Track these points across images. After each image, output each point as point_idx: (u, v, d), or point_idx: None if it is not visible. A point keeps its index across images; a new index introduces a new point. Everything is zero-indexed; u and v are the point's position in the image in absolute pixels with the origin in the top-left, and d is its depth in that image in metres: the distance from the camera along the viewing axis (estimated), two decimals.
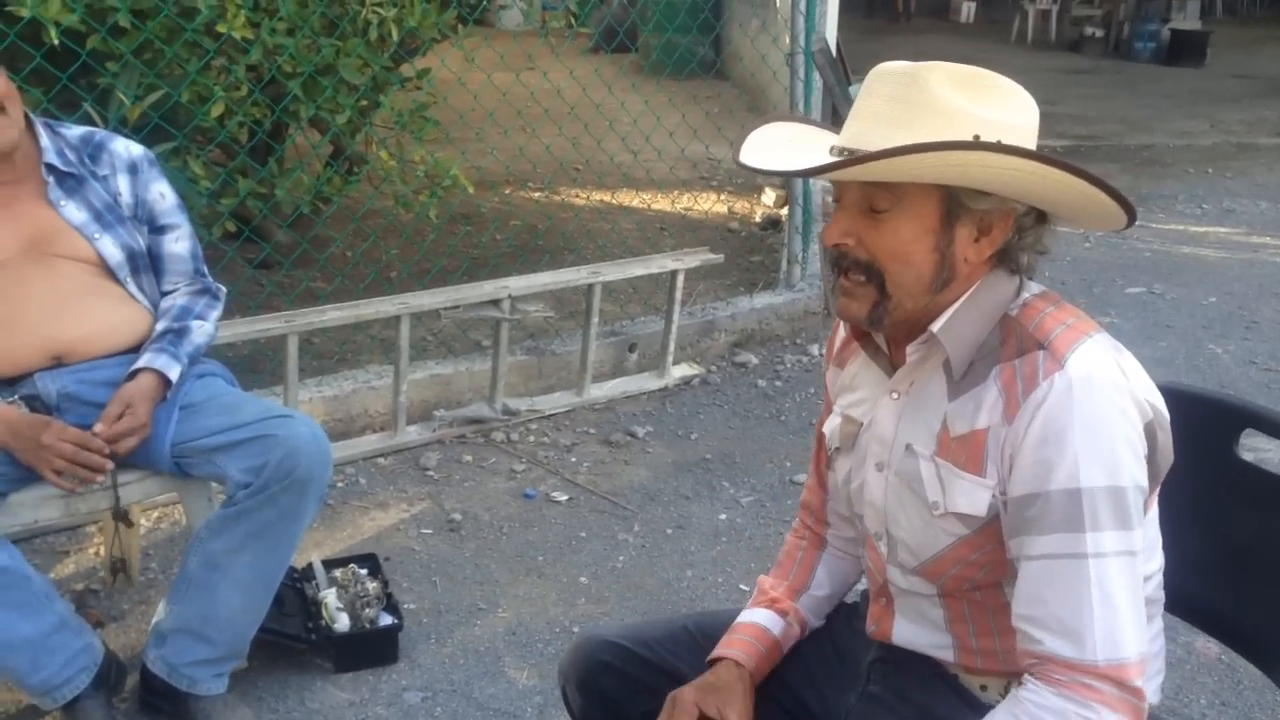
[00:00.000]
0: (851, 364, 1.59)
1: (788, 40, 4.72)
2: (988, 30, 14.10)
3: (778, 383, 4.24)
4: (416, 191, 3.90)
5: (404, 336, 3.46)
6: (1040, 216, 1.39)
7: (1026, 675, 1.33)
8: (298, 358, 3.32)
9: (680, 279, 3.99)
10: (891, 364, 1.50)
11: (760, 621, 1.66)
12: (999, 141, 1.29)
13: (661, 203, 6.43)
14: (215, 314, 2.49)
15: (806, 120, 1.58)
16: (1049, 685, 1.30)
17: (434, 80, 4.01)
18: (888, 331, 1.47)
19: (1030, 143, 1.34)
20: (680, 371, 4.17)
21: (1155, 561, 1.48)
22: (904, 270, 1.37)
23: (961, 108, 1.30)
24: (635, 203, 6.38)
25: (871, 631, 1.61)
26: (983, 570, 1.42)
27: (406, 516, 3.27)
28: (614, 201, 6.41)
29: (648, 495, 3.42)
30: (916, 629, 1.54)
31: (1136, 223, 1.40)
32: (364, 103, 3.70)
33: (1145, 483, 1.33)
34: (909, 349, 1.43)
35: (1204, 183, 7.55)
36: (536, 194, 6.41)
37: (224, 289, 2.56)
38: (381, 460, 3.55)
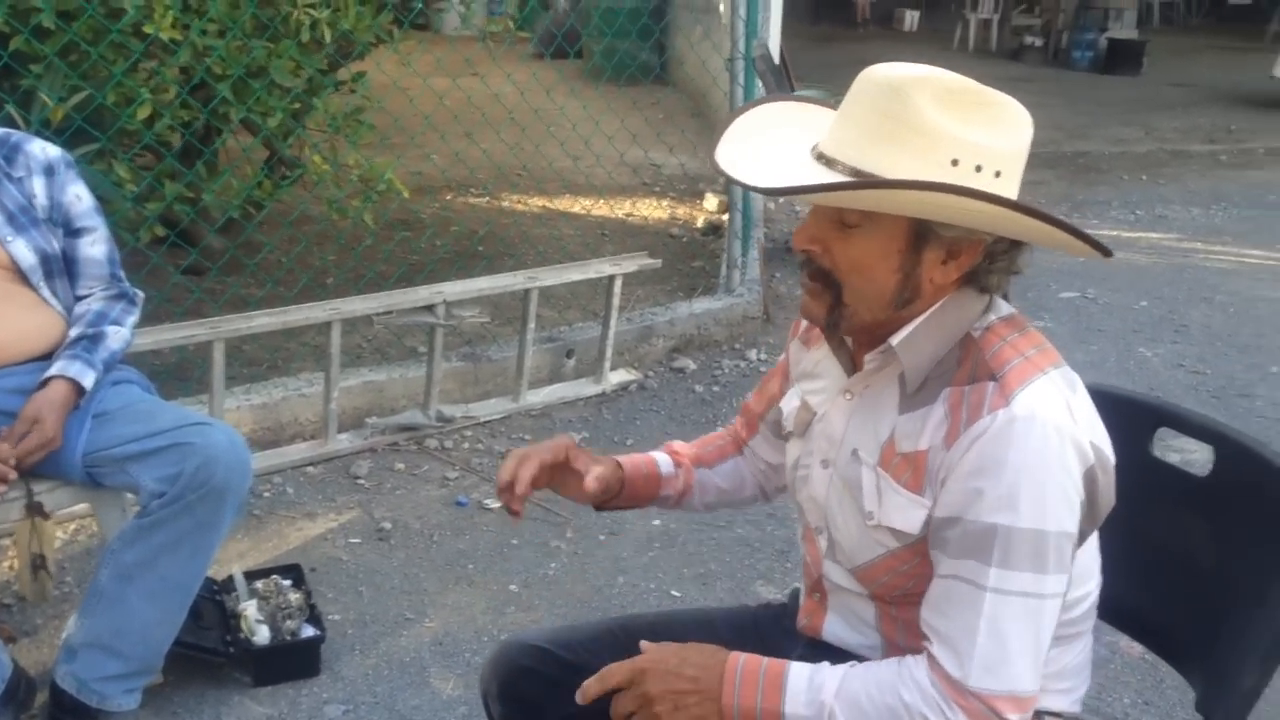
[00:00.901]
0: (817, 349, 1.58)
1: (729, 46, 4.72)
2: (930, 38, 14.23)
3: (715, 388, 4.23)
4: (350, 196, 3.85)
5: (335, 343, 3.41)
6: (1014, 241, 1.37)
7: (922, 655, 1.35)
8: (224, 365, 3.25)
9: (618, 284, 3.97)
10: (853, 362, 1.49)
11: (654, 455, 1.75)
12: (978, 167, 1.27)
13: (603, 208, 6.41)
14: (132, 319, 2.43)
15: (794, 98, 1.54)
16: (931, 669, 1.31)
17: (369, 84, 3.96)
18: (849, 334, 1.46)
19: (1018, 164, 1.32)
20: (618, 377, 4.15)
21: (1089, 584, 1.49)
22: (864, 285, 1.36)
23: (946, 129, 1.27)
24: (576, 208, 6.36)
25: (802, 626, 1.61)
26: (913, 580, 1.42)
27: (334, 526, 3.21)
28: (555, 207, 6.38)
29: None
30: (847, 627, 1.54)
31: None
32: (296, 106, 3.64)
33: (1074, 530, 1.31)
34: (867, 358, 1.42)
35: (1138, 189, 7.66)
36: (476, 200, 6.36)
37: (141, 294, 2.50)
38: (311, 469, 3.50)
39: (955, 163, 1.26)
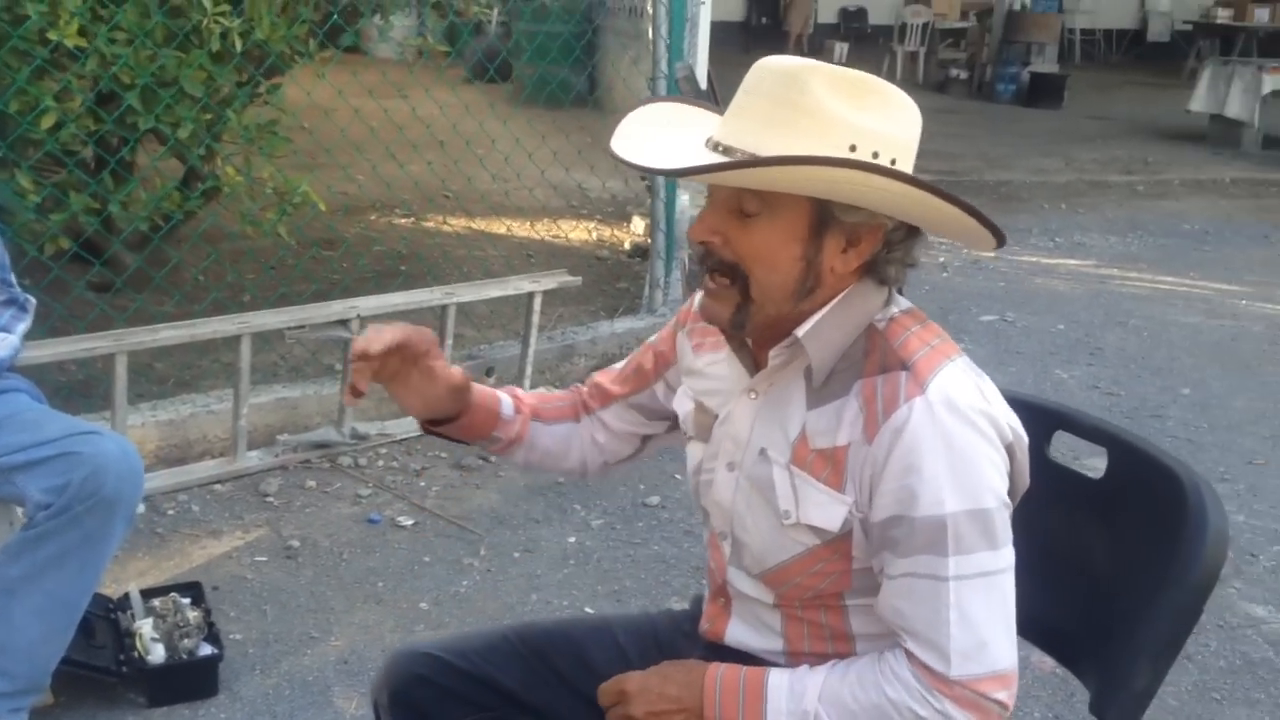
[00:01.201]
0: (711, 353, 1.54)
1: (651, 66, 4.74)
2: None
3: None
4: (264, 209, 3.78)
5: (245, 358, 3.34)
6: (911, 230, 1.37)
7: (898, 648, 1.35)
8: (127, 379, 3.17)
9: (537, 301, 3.94)
10: (754, 362, 1.46)
11: (498, 393, 1.65)
12: (875, 154, 1.27)
13: (528, 230, 6.39)
14: (22, 326, 2.35)
15: (689, 101, 1.52)
16: (910, 664, 1.32)
17: (284, 97, 3.90)
18: (752, 333, 1.43)
19: (910, 154, 1.32)
20: None
21: None
22: (768, 275, 1.33)
23: (841, 115, 1.27)
24: (501, 230, 6.31)
25: (704, 630, 1.58)
26: (827, 580, 1.41)
27: (240, 544, 3.13)
28: (479, 229, 6.33)
29: (497, 519, 3.35)
30: (750, 631, 1.52)
31: (994, 253, 1.39)
32: (208, 117, 3.57)
33: (1008, 499, 1.34)
34: (772, 353, 1.40)
35: (1058, 217, 7.81)
36: (399, 220, 6.31)
37: (33, 300, 2.42)
38: (218, 487, 3.41)
39: (853, 148, 1.26)
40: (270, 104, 3.85)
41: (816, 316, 1.36)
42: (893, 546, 1.32)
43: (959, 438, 1.28)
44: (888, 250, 1.36)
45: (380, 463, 3.63)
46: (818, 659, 1.44)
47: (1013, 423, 1.35)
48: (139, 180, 3.61)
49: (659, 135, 1.42)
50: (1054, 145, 9.97)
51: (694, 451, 1.55)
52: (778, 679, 1.38)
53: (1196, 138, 10.46)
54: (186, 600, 2.64)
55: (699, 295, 1.45)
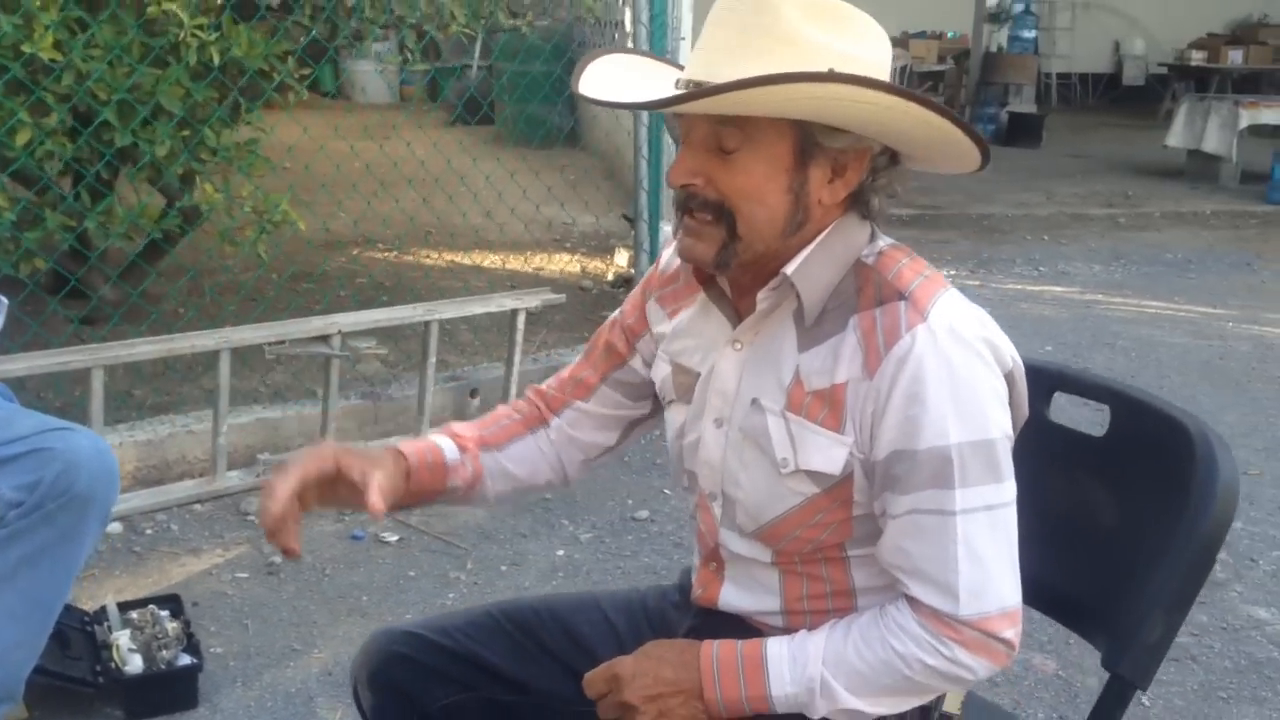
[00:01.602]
0: (686, 309, 1.48)
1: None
2: None
3: None
4: (243, 227, 3.74)
5: (224, 374, 3.27)
6: (893, 158, 1.33)
7: (900, 599, 1.31)
8: (104, 395, 3.11)
9: (521, 319, 3.89)
10: (735, 312, 1.41)
11: (436, 441, 1.53)
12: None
13: (513, 263, 6.36)
14: None
15: (652, 55, 1.49)
16: (915, 612, 1.28)
17: (261, 115, 3.87)
18: (733, 276, 1.38)
19: (884, 78, 1.28)
20: None
21: None
22: (757, 210, 1.28)
23: (816, 39, 1.23)
24: (486, 263, 6.29)
25: (697, 596, 1.52)
26: (827, 531, 1.35)
27: (221, 561, 3.06)
28: (464, 262, 6.30)
29: (483, 534, 3.28)
30: (745, 594, 1.46)
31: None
32: (185, 134, 3.54)
33: (1011, 430, 1.30)
34: (760, 295, 1.34)
35: (1041, 248, 7.82)
36: (384, 254, 6.27)
37: (4, 300, 2.36)
38: (198, 506, 3.34)
39: (831, 71, 1.22)
40: (249, 123, 3.81)
41: (804, 254, 1.31)
42: (895, 484, 1.27)
43: (963, 366, 1.25)
44: (872, 178, 1.32)
45: None
46: (817, 618, 1.38)
47: (1011, 351, 1.32)
48: (115, 195, 3.55)
49: (625, 78, 1.38)
50: (1034, 181, 10.01)
51: (675, 415, 1.49)
52: (777, 648, 1.32)
53: (1175, 173, 10.53)
54: (165, 612, 2.56)
55: (675, 243, 1.38)
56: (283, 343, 3.38)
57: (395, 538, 3.21)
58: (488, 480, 1.56)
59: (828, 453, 1.31)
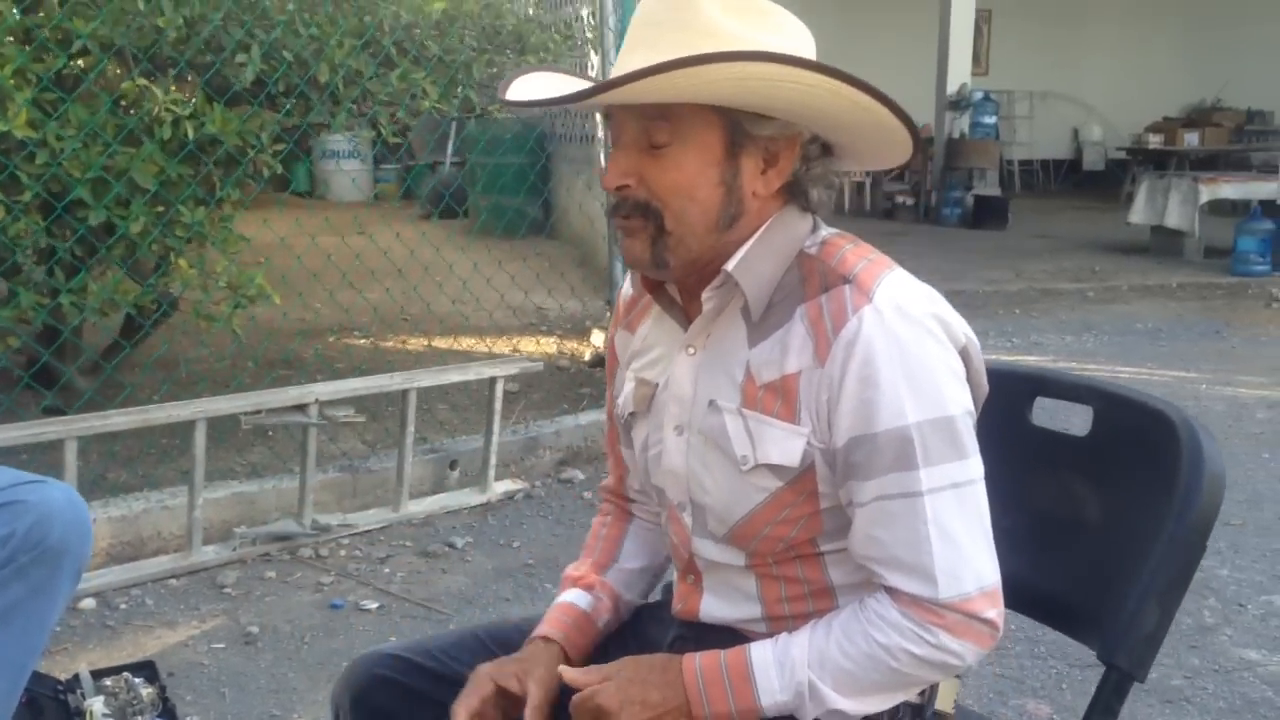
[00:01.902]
0: (643, 325, 1.49)
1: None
2: None
3: None
4: (217, 303, 3.73)
5: (199, 445, 3.24)
6: (826, 148, 1.34)
7: (879, 591, 1.28)
8: (77, 468, 3.06)
9: (499, 387, 3.88)
10: (686, 317, 1.40)
11: (565, 600, 1.54)
12: None
13: (493, 345, 6.36)
14: None
15: (581, 74, 1.51)
16: (895, 602, 1.25)
17: (238, 190, 3.89)
18: (678, 278, 1.37)
19: None
20: (504, 486, 4.02)
21: None
22: (688, 206, 1.28)
23: (735, 31, 1.24)
24: (466, 346, 6.29)
25: (678, 610, 1.49)
26: (796, 527, 1.33)
27: (197, 633, 2.99)
28: (445, 345, 6.31)
29: (465, 599, 3.22)
30: (725, 603, 1.43)
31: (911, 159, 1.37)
32: (160, 209, 3.55)
33: (972, 407, 1.29)
34: (704, 295, 1.34)
35: (1012, 321, 7.90)
36: (359, 341, 6.27)
37: None
38: (173, 581, 3.27)
39: (749, 51, 1.22)
40: (224, 199, 3.83)
41: (744, 248, 1.32)
42: (858, 472, 1.26)
43: (914, 344, 1.24)
44: (806, 168, 1.32)
45: (342, 553, 3.51)
46: (799, 623, 1.35)
47: (964, 326, 1.31)
48: (88, 271, 3.55)
49: (553, 88, 1.38)
50: (1002, 260, 10.15)
51: (639, 431, 1.47)
52: (761, 655, 1.29)
53: (1140, 249, 10.70)
54: (139, 679, 2.49)
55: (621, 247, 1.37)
56: (259, 412, 3.34)
57: (375, 605, 3.15)
58: (624, 593, 1.57)
59: (784, 445, 1.29)
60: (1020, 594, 1.65)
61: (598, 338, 6.42)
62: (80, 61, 3.47)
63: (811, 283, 1.30)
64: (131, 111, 3.46)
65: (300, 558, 3.45)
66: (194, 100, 3.51)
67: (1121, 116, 15.93)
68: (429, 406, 4.65)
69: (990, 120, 12.69)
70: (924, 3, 11.56)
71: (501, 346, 6.35)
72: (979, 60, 14.63)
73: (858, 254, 1.32)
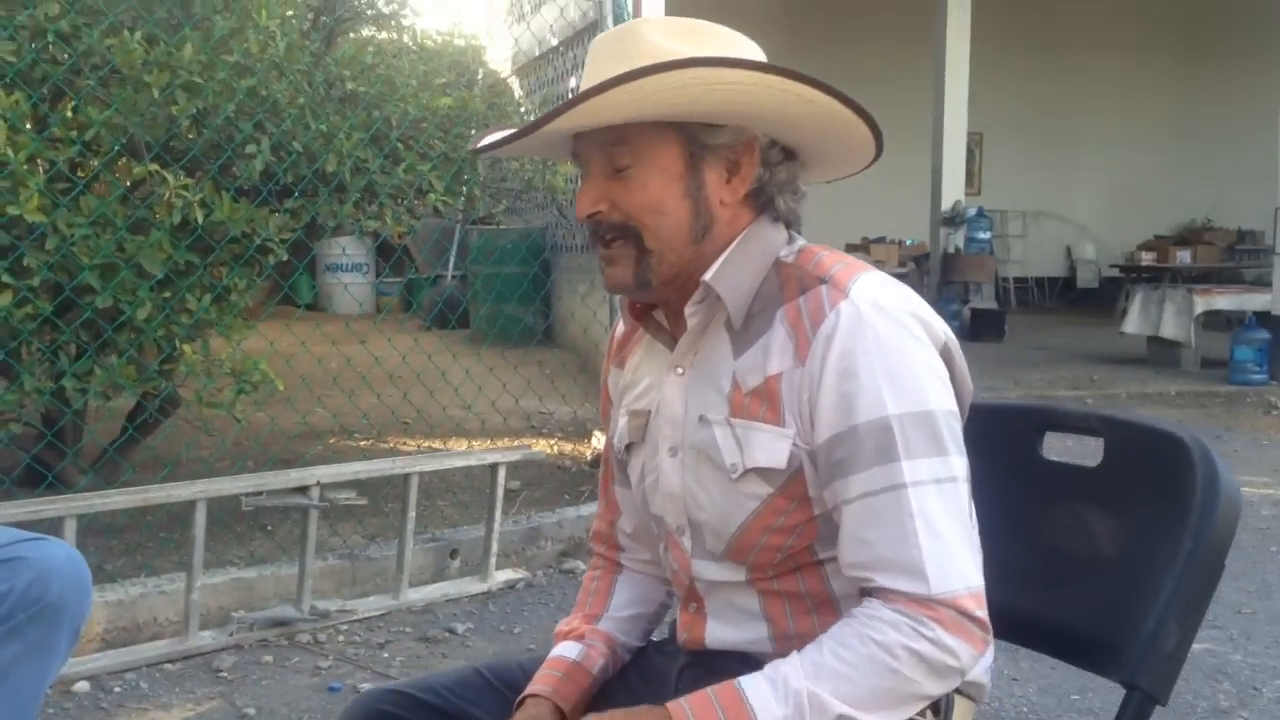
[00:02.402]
0: (632, 357, 1.51)
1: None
2: None
3: None
4: (221, 388, 3.73)
5: (199, 525, 3.20)
6: (787, 154, 1.37)
7: (868, 599, 1.26)
8: (77, 544, 3.02)
9: (501, 474, 3.86)
10: (674, 340, 1.42)
11: (555, 654, 1.51)
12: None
13: (490, 446, 6.33)
14: None
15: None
16: (887, 602, 1.23)
17: (244, 274, 3.92)
18: (662, 298, 1.40)
19: None
20: (505, 575, 3.96)
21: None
22: (660, 221, 1.32)
23: (678, 50, 1.27)
24: (462, 448, 6.27)
25: (683, 640, 1.46)
26: (792, 536, 1.32)
27: (192, 715, 2.92)
28: (441, 448, 6.29)
29: None
30: (730, 627, 1.41)
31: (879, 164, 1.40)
32: (166, 295, 3.58)
33: (954, 408, 1.29)
34: (687, 310, 1.36)
35: None
36: (362, 442, 6.25)
37: None
38: (169, 666, 3.20)
39: (690, 58, 1.24)
40: (230, 286, 3.85)
41: (721, 259, 1.34)
42: (842, 469, 1.25)
43: (891, 338, 1.25)
44: (769, 173, 1.35)
45: (341, 638, 3.44)
46: (806, 641, 1.32)
47: (943, 327, 1.32)
48: (93, 355, 3.56)
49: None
50: (1000, 369, 10.19)
51: (635, 463, 1.48)
52: (750, 680, 1.24)
53: (1137, 360, 10.76)
54: None
55: (604, 275, 1.39)
56: (260, 494, 3.32)
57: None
58: (620, 636, 1.55)
59: (770, 448, 1.29)
60: (1037, 630, 1.64)
61: (599, 439, 6.41)
62: (93, 149, 3.53)
63: (790, 287, 1.32)
64: (138, 199, 3.51)
65: (298, 643, 3.39)
66: (203, 187, 3.56)
67: (1113, 235, 16.19)
68: (430, 499, 4.62)
69: (985, 236, 12.87)
70: (917, 125, 11.84)
71: (503, 446, 6.33)
72: (971, 181, 14.90)
73: (834, 258, 1.34)
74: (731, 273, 1.33)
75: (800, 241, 1.38)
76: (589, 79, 1.30)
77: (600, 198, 1.33)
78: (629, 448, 1.48)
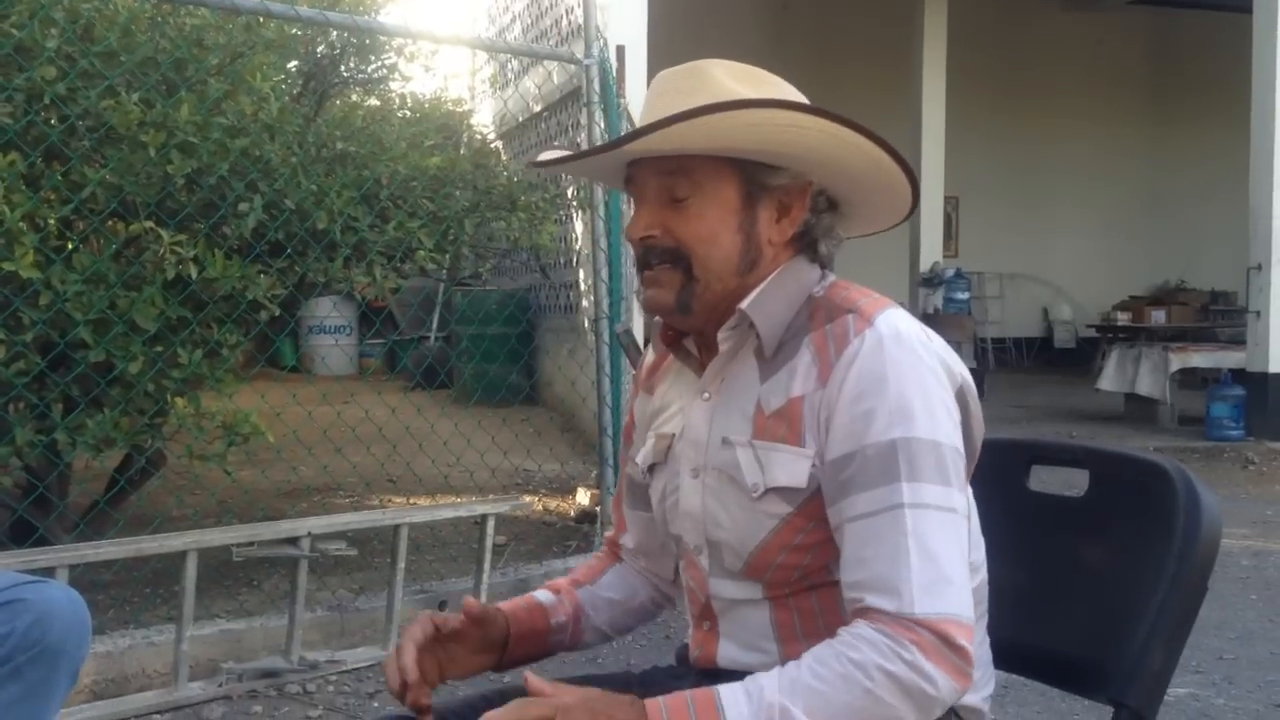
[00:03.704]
0: (661, 384, 1.57)
1: (593, 310, 4.90)
2: None
3: None
4: (211, 440, 3.75)
5: (190, 576, 3.21)
6: (832, 204, 1.44)
7: (853, 620, 1.28)
8: None
9: (490, 524, 3.88)
10: (703, 367, 1.47)
11: (532, 593, 1.62)
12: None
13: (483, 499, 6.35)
14: None
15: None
16: (870, 622, 1.25)
17: (235, 330, 3.95)
18: (699, 326, 1.45)
19: None
20: None
21: (979, 552, 1.45)
22: (712, 252, 1.38)
23: (745, 93, 1.35)
24: (447, 504, 6.27)
25: (695, 658, 1.51)
26: (809, 554, 1.37)
27: None
28: (432, 503, 6.29)
29: None
30: (741, 647, 1.45)
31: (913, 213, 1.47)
32: (159, 349, 3.61)
33: (961, 447, 1.33)
34: (720, 335, 1.42)
35: None
36: (345, 500, 6.25)
37: None
38: (157, 716, 3.19)
39: (758, 99, 1.33)
40: (221, 341, 3.88)
41: (758, 289, 1.40)
42: (846, 489, 1.30)
43: (909, 369, 1.30)
44: (815, 219, 1.42)
45: (331, 689, 3.44)
46: None
47: (960, 368, 1.38)
48: (85, 407, 3.58)
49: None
50: None
51: (656, 483, 1.53)
52: (728, 688, 1.26)
53: (1114, 417, 10.86)
54: None
55: (644, 295, 1.45)
56: (251, 544, 3.33)
57: None
58: (589, 611, 1.62)
59: (790, 467, 1.34)
60: (1026, 658, 1.68)
61: (583, 496, 6.42)
62: (88, 207, 3.58)
63: (818, 318, 1.38)
64: (132, 255, 3.55)
65: (287, 694, 3.38)
66: (196, 244, 3.61)
67: (1089, 296, 16.36)
68: (418, 554, 4.63)
69: (963, 296, 13.02)
70: None
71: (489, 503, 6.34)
72: (948, 243, 15.11)
73: (863, 292, 1.41)
74: (768, 303, 1.39)
75: (830, 278, 1.45)
76: (651, 111, 1.38)
77: (654, 223, 1.39)
78: (652, 468, 1.53)
